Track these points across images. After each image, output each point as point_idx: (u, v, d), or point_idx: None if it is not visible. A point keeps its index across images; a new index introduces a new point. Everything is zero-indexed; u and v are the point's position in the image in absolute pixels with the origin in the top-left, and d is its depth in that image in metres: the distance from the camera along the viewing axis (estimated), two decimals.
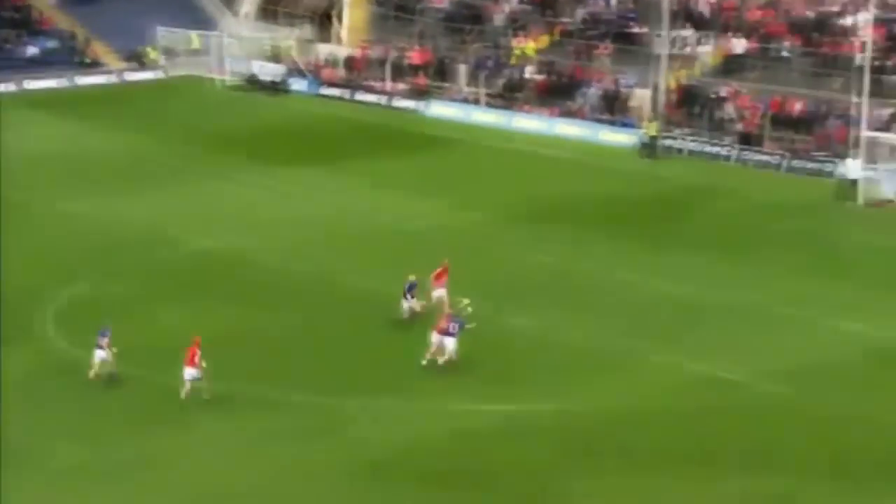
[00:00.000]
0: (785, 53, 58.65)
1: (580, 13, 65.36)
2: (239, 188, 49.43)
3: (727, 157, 54.68)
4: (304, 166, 52.40)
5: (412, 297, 34.72)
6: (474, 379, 31.97)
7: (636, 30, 62.65)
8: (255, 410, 30.09)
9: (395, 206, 47.11)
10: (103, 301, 36.75)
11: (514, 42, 65.36)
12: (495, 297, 36.09)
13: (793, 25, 59.50)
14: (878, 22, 54.81)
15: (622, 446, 28.72)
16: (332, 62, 69.32)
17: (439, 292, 34.85)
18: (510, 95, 62.70)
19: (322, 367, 32.68)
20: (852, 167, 48.80)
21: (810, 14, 59.85)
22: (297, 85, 68.06)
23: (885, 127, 51.65)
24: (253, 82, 68.21)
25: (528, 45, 64.86)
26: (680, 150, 55.59)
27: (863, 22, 54.55)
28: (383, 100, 65.29)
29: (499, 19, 67.48)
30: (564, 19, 65.72)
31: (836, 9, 59.57)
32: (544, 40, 65.31)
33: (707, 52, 60.35)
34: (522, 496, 26.79)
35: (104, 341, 30.96)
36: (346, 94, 66.54)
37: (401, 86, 65.89)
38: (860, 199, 47.99)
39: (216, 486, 26.94)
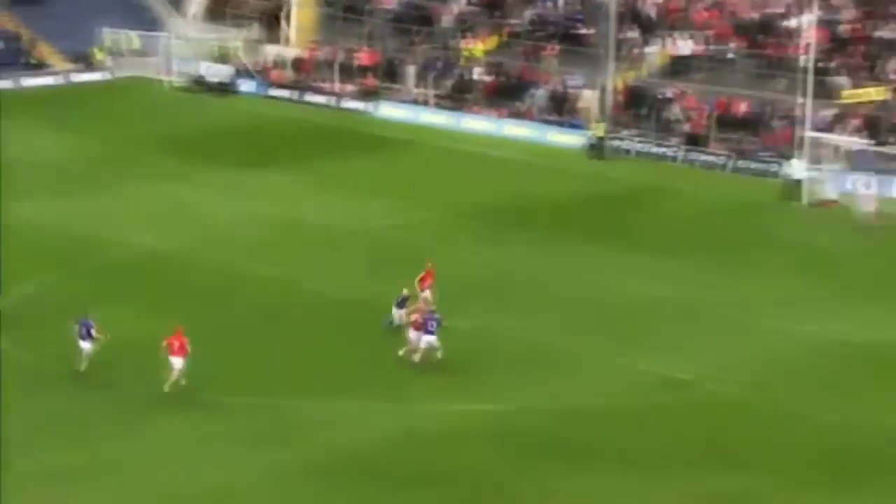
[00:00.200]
0: (730, 55, 59.04)
1: (528, 15, 65.45)
2: (187, 189, 49.11)
3: (674, 158, 55.01)
4: (253, 168, 52.16)
5: (403, 309, 34.94)
6: (430, 379, 32.03)
7: (583, 31, 62.85)
8: (212, 412, 30.04)
9: (344, 207, 47.03)
10: (52, 302, 36.46)
11: (463, 43, 65.40)
12: (447, 297, 36.09)
13: (738, 27, 59.89)
14: (822, 23, 55.38)
15: (578, 446, 28.89)
16: (280, 63, 69.03)
17: (426, 294, 35.33)
18: (459, 96, 62.71)
19: (275, 369, 32.61)
20: (797, 167, 49.25)
21: (755, 16, 60.23)
22: (245, 86, 67.70)
23: (829, 128, 52.10)
24: (200, 83, 67.75)
25: (477, 46, 64.91)
26: (627, 151, 55.86)
27: (806, 24, 55.03)
28: (332, 101, 65.11)
29: (447, 21, 67.44)
30: (512, 21, 65.79)
31: (780, 10, 60.00)
32: (492, 42, 65.38)
33: (654, 53, 60.65)
34: (478, 497, 26.86)
35: (91, 331, 31.20)
36: (294, 95, 66.27)
37: (349, 87, 65.76)
38: (804, 200, 48.41)
39: (173, 486, 26.82)
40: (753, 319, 36.16)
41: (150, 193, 48.20)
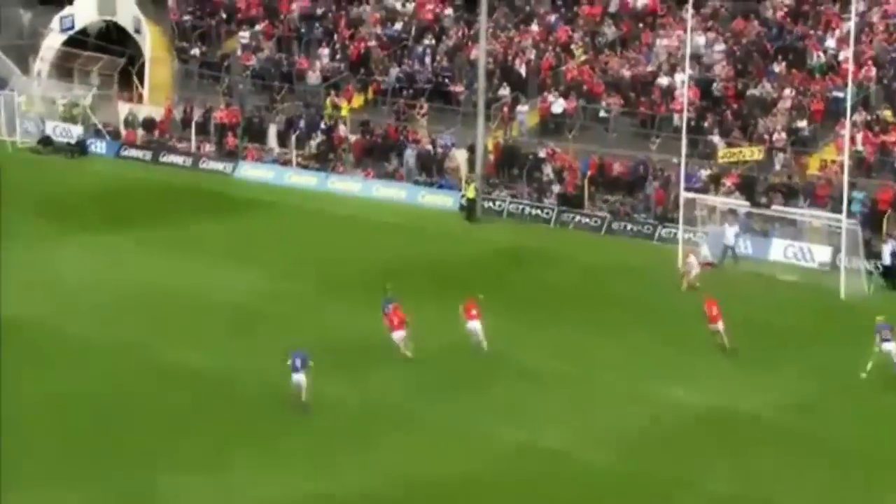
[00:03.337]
0: (603, 114, 60.68)
1: (394, 72, 66.51)
2: (35, 254, 48.83)
3: (547, 220, 56.28)
4: (105, 232, 52.02)
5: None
6: (288, 456, 32.24)
7: (453, 89, 64.09)
8: (62, 488, 29.83)
9: (204, 275, 47.05)
10: None
11: (328, 101, 66.19)
12: (317, 365, 36.47)
13: (611, 85, 61.54)
14: (695, 81, 57.31)
15: None
16: (133, 122, 68.99)
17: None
18: (324, 157, 63.38)
19: (132, 441, 32.62)
20: (729, 234, 49.61)
21: (627, 73, 61.92)
22: (96, 146, 67.58)
23: (704, 188, 53.68)
24: (48, 144, 67.51)
25: (342, 104, 65.74)
26: (500, 212, 57.02)
27: (680, 82, 56.80)
28: (189, 161, 65.33)
29: (311, 78, 68.21)
30: (378, 78, 66.79)
31: (651, 69, 61.83)
32: (359, 100, 66.32)
33: (525, 111, 62.08)
34: None
35: None
36: (149, 155, 66.37)
37: (208, 146, 66.04)
38: (679, 263, 49.41)
39: None
40: (630, 386, 36.87)
41: None
